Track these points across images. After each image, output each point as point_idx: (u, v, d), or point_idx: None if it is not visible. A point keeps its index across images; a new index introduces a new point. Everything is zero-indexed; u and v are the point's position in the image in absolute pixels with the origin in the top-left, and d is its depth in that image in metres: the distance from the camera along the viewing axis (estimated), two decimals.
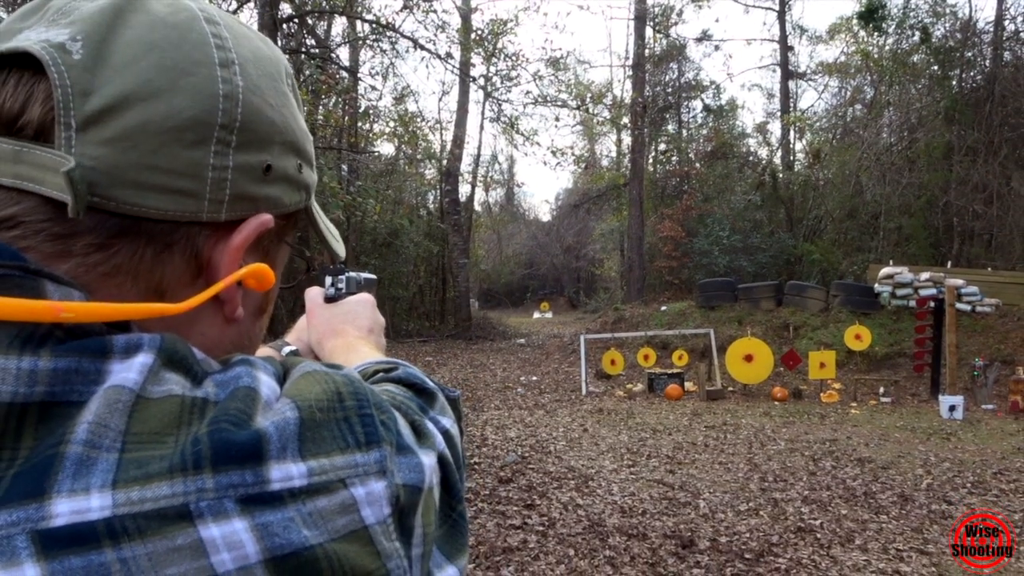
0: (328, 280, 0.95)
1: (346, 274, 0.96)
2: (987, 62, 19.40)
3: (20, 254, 0.43)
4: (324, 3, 12.07)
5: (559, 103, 18.34)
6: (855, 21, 22.08)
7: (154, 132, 0.46)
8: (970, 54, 19.40)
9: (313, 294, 0.97)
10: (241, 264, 0.52)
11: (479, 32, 14.87)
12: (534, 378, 13.41)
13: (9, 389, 0.39)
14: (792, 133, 24.40)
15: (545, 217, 43.36)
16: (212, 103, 0.48)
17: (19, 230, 0.45)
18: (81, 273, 0.45)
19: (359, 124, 16.43)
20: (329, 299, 0.95)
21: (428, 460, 0.52)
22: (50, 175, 0.44)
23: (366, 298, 0.98)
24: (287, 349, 0.95)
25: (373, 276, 1.05)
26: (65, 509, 0.36)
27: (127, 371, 0.41)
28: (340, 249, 0.72)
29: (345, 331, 0.91)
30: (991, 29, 19.33)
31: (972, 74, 19.52)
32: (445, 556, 0.55)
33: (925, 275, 12.92)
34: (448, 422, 0.61)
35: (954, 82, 19.19)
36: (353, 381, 0.50)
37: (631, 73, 23.72)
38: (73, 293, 0.44)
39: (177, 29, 0.49)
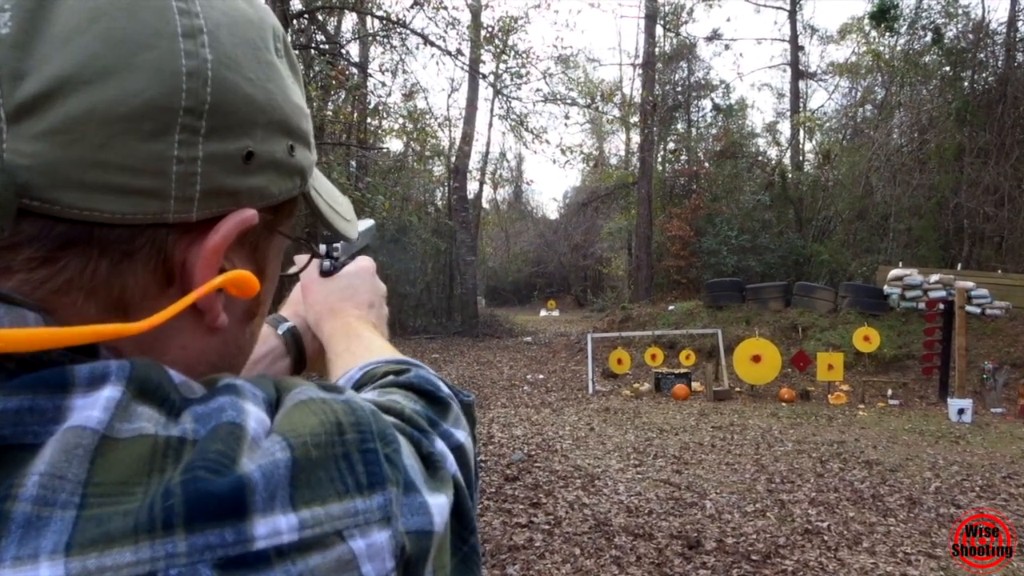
0: (322, 248, 0.83)
1: (341, 240, 0.82)
2: (999, 63, 19.30)
3: None
4: None
5: (568, 101, 18.33)
6: (866, 21, 22.01)
7: (102, 121, 0.38)
8: (982, 55, 19.29)
9: (310, 267, 0.84)
10: (223, 265, 0.46)
11: (489, 29, 14.86)
12: (541, 376, 13.41)
13: None
14: (802, 133, 24.34)
15: (553, 215, 43.33)
16: (174, 83, 0.40)
17: None
18: (28, 291, 0.39)
19: (368, 120, 16.44)
20: (325, 273, 0.85)
21: (440, 501, 0.46)
22: None
23: (364, 267, 0.88)
24: (284, 327, 0.86)
25: (371, 222, 0.95)
26: None
27: (90, 408, 0.35)
28: (350, 229, 0.64)
29: (344, 310, 0.83)
30: (1004, 30, 19.21)
31: (984, 75, 19.42)
32: None
33: (935, 277, 12.88)
34: (462, 435, 0.56)
35: (966, 83, 19.11)
36: (355, 410, 0.43)
37: (641, 71, 23.69)
38: (27, 315, 0.38)
39: None
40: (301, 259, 0.76)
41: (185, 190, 0.42)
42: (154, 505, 0.33)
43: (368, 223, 0.94)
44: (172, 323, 0.42)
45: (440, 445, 0.51)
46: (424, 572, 0.43)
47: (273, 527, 0.35)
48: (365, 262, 0.89)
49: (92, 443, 0.34)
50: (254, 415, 0.40)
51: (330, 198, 0.61)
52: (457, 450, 0.53)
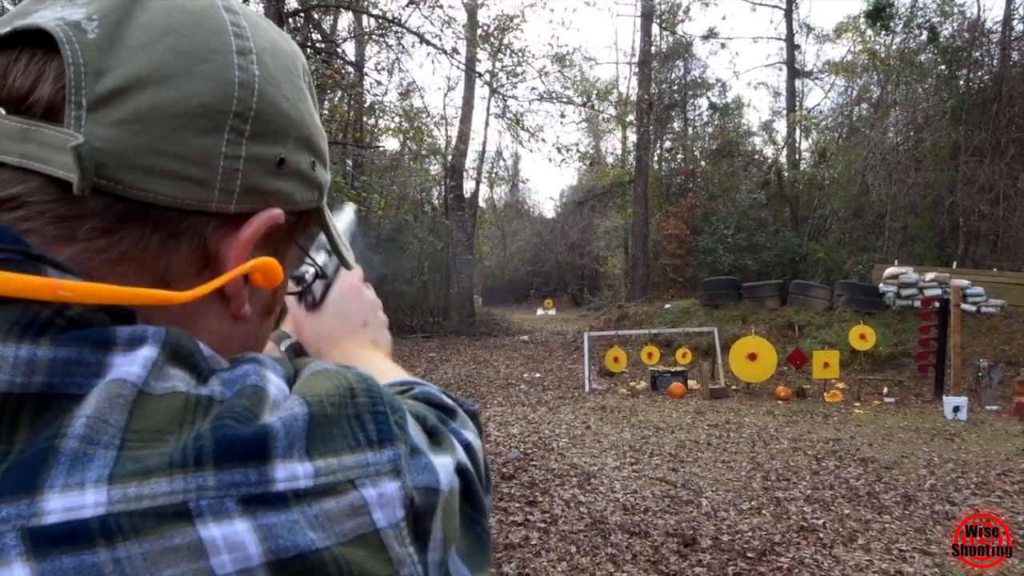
0: (307, 271, 0.80)
1: (314, 269, 0.79)
2: (995, 62, 19.35)
3: (21, 238, 0.42)
4: None
5: (565, 100, 18.33)
6: (862, 20, 22.02)
7: (166, 116, 0.45)
8: (978, 54, 19.34)
9: (293, 303, 0.86)
10: (249, 259, 0.51)
11: (485, 28, 14.86)
12: (537, 375, 13.42)
13: (5, 378, 0.37)
14: (798, 132, 24.36)
15: (549, 214, 43.38)
16: (227, 90, 0.47)
17: (22, 211, 0.43)
18: (85, 259, 0.44)
19: (364, 119, 16.43)
20: (310, 307, 0.84)
21: (444, 462, 0.49)
22: (58, 154, 0.42)
23: (348, 286, 0.86)
24: (287, 342, 0.87)
25: (352, 208, 0.92)
26: (58, 506, 0.34)
27: (130, 364, 0.39)
28: (350, 257, 0.69)
29: (340, 339, 0.84)
30: (999, 29, 19.26)
31: (979, 74, 19.48)
32: (469, 569, 0.52)
33: (930, 275, 12.91)
34: (470, 435, 0.59)
35: (961, 82, 19.15)
36: (366, 379, 0.48)
37: (637, 70, 23.71)
38: (75, 279, 0.42)
39: (195, 15, 0.48)
40: (291, 300, 0.83)
41: (228, 183, 0.48)
42: (187, 446, 0.38)
43: (348, 216, 0.92)
44: (202, 307, 0.49)
45: (449, 434, 0.55)
46: (432, 528, 0.46)
47: (291, 472, 0.39)
48: (349, 279, 0.87)
49: (131, 395, 0.38)
50: (275, 382, 0.45)
51: (335, 225, 0.66)
52: (466, 447, 0.56)
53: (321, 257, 0.79)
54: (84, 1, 0.46)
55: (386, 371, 0.76)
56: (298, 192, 0.54)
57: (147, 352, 0.40)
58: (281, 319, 0.90)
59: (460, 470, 0.52)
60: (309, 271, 0.81)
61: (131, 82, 0.44)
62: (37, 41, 0.44)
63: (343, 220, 0.92)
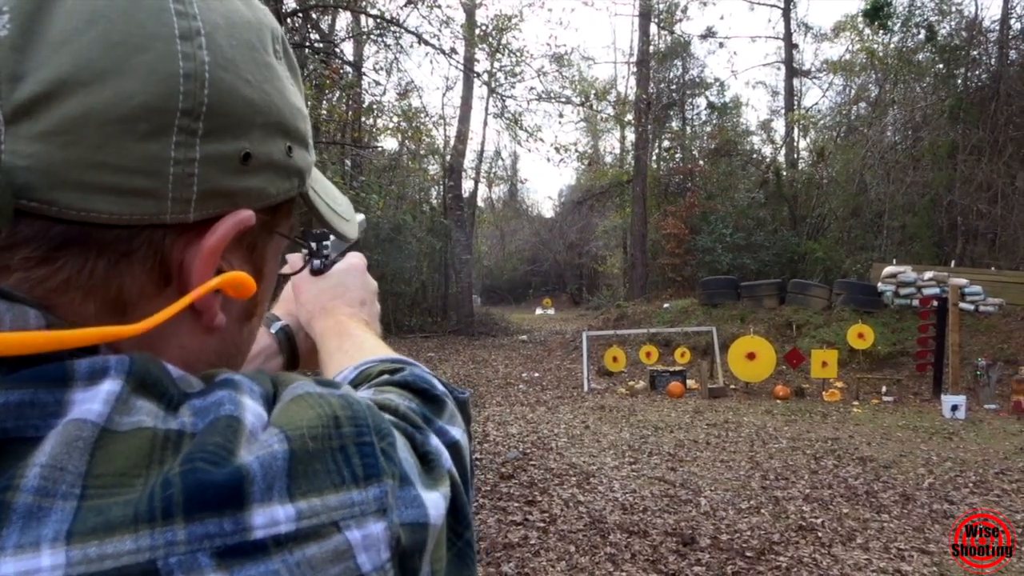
0: (312, 246, 0.82)
1: (331, 237, 0.82)
2: (993, 61, 19.35)
3: None
4: None
5: (563, 99, 18.34)
6: (860, 19, 22.00)
7: (99, 123, 0.39)
8: (975, 52, 19.34)
9: (296, 263, 0.83)
10: (221, 265, 0.46)
11: (483, 28, 14.87)
12: (536, 375, 13.42)
13: None
14: (796, 131, 24.36)
15: (548, 213, 43.34)
16: (171, 85, 0.41)
17: None
18: (27, 289, 0.39)
19: (363, 119, 16.41)
20: (316, 271, 0.84)
21: (435, 496, 0.46)
22: None
23: (355, 264, 0.89)
24: (276, 325, 0.87)
25: (361, 216, 0.93)
26: (10, 570, 0.31)
27: (91, 402, 0.36)
28: (349, 229, 0.64)
29: (335, 308, 0.83)
30: (997, 27, 19.27)
31: (977, 73, 19.47)
32: None
33: (928, 274, 12.92)
34: (457, 432, 0.56)
35: (959, 81, 19.15)
36: (352, 404, 0.43)
37: (635, 70, 23.71)
38: (28, 312, 0.38)
39: None
40: (293, 259, 0.77)
41: (182, 191, 0.42)
42: (154, 495, 0.34)
43: (358, 217, 0.94)
44: (170, 323, 0.43)
45: (435, 442, 0.51)
46: (421, 565, 0.44)
47: (271, 517, 0.36)
48: (355, 259, 0.89)
49: (92, 435, 0.35)
50: (251, 409, 0.41)
51: (329, 198, 0.61)
52: (452, 447, 0.53)
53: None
54: None
55: (376, 349, 0.74)
56: (271, 185, 0.49)
57: (109, 386, 0.37)
58: (273, 301, 0.90)
59: (451, 486, 0.49)
60: (328, 236, 0.81)
61: (55, 86, 0.38)
62: None
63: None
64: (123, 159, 0.40)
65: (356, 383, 0.64)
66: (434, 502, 0.45)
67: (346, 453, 0.41)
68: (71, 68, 0.38)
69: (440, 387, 0.60)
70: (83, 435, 0.35)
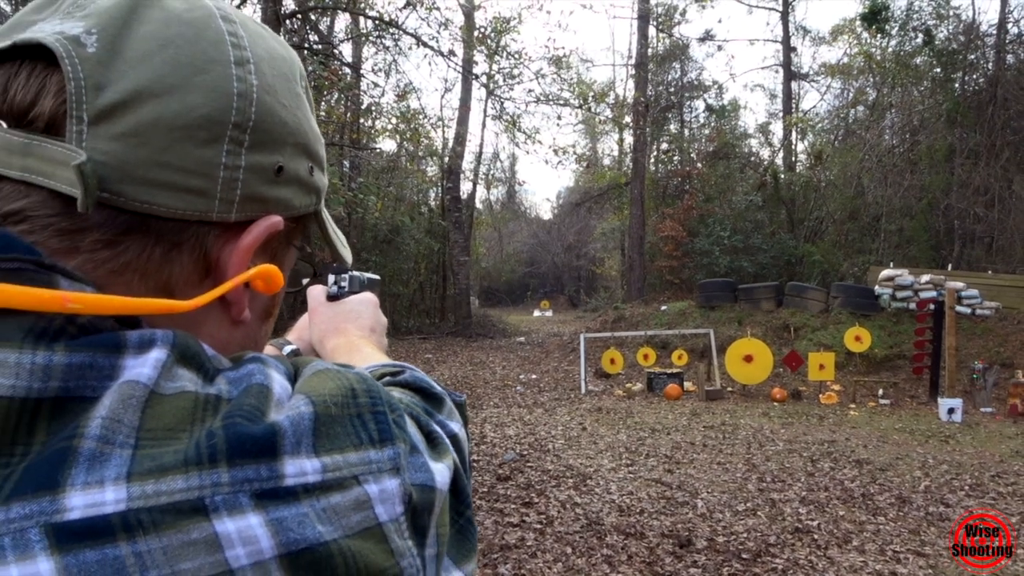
0: (331, 279, 0.93)
1: (349, 273, 0.94)
2: (990, 65, 19.41)
3: (35, 248, 0.43)
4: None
5: (561, 102, 18.35)
6: (858, 23, 22.07)
7: (166, 129, 0.45)
8: (973, 57, 19.39)
9: (316, 292, 0.95)
10: (249, 266, 0.52)
11: (482, 30, 14.88)
12: (533, 376, 13.43)
13: (23, 384, 0.38)
14: (794, 134, 24.40)
15: (546, 215, 43.42)
16: (226, 101, 0.48)
17: (26, 224, 0.44)
18: (89, 269, 0.45)
19: (361, 120, 16.43)
20: (332, 297, 0.94)
21: (440, 466, 0.51)
22: (60, 169, 0.43)
23: (369, 297, 0.97)
24: (288, 348, 0.94)
25: (376, 276, 1.03)
26: (79, 502, 0.36)
27: (141, 367, 0.41)
28: (347, 255, 0.71)
29: (347, 330, 0.90)
30: (994, 32, 19.32)
31: (975, 77, 19.53)
32: (453, 561, 0.55)
33: (925, 277, 12.94)
34: (456, 426, 0.61)
35: (956, 85, 19.20)
36: (366, 379, 0.49)
37: (634, 72, 23.71)
38: (86, 289, 0.43)
39: (193, 26, 0.48)
40: (315, 290, 0.88)
41: (228, 193, 0.49)
42: (200, 443, 0.39)
43: (375, 276, 1.03)
44: (203, 312, 0.50)
45: (437, 428, 0.57)
46: (429, 525, 0.48)
47: (300, 468, 0.41)
48: (370, 296, 0.98)
49: (143, 395, 0.40)
50: (278, 381, 0.47)
51: (332, 225, 0.68)
52: (452, 438, 0.58)
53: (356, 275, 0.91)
54: (83, 14, 0.46)
55: (380, 360, 0.80)
56: (296, 198, 0.55)
57: (156, 354, 0.42)
58: (284, 330, 0.99)
59: (452, 469, 0.54)
60: (347, 271, 0.93)
61: (131, 95, 0.45)
62: (37, 55, 0.45)
63: (371, 281, 1.02)
64: (183, 161, 0.46)
65: None
66: (439, 470, 0.51)
67: (363, 419, 0.46)
68: (146, 82, 0.45)
69: (439, 388, 0.66)
70: (136, 394, 0.40)
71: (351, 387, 0.47)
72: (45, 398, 0.38)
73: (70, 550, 0.35)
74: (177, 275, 0.49)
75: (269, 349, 0.88)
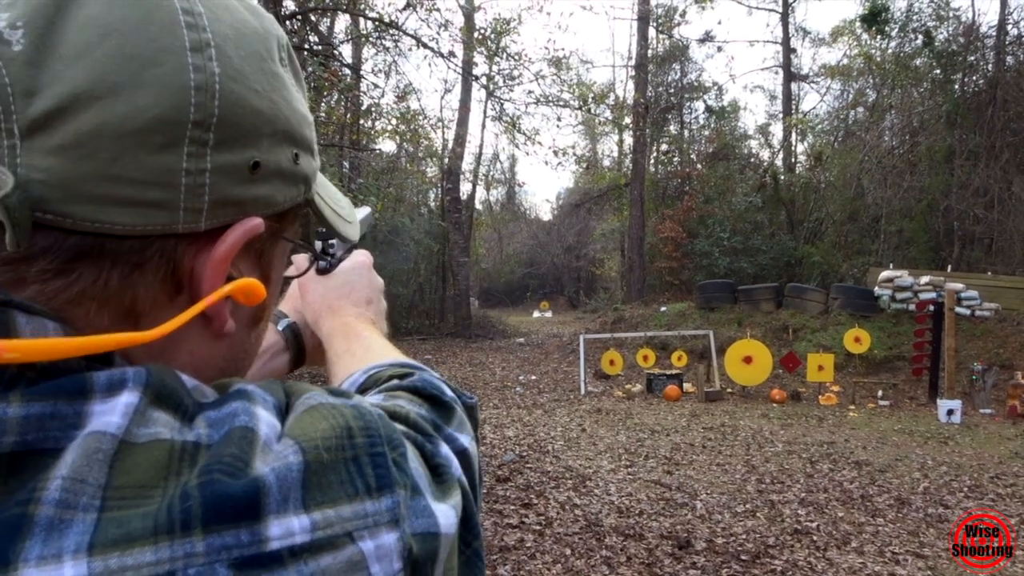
0: (318, 246, 0.82)
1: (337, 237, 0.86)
2: (990, 66, 19.42)
3: None
4: (328, 0, 12.09)
5: (561, 103, 18.36)
6: (858, 24, 22.08)
7: (113, 136, 0.39)
8: (973, 58, 19.41)
9: (302, 263, 0.82)
10: (230, 272, 0.47)
11: (482, 31, 14.89)
12: (533, 377, 13.43)
13: None
14: (794, 135, 24.40)
15: (546, 216, 43.37)
16: (183, 97, 0.41)
17: None
18: (43, 301, 0.40)
19: (361, 121, 16.43)
20: (322, 271, 0.84)
21: (445, 507, 0.47)
22: None
23: (361, 262, 0.88)
24: (283, 323, 0.87)
25: (367, 209, 0.93)
26: None
27: (109, 414, 0.36)
28: (353, 231, 0.65)
29: (342, 308, 0.83)
30: (994, 33, 19.33)
31: (974, 78, 19.54)
32: None
33: (925, 279, 12.94)
34: (466, 439, 0.56)
35: (956, 86, 19.21)
36: (364, 415, 0.44)
37: (633, 73, 23.71)
38: (47, 324, 0.39)
39: (139, 6, 0.41)
40: (299, 260, 0.76)
41: (194, 201, 0.43)
42: (172, 507, 0.35)
43: (365, 211, 0.93)
44: (181, 330, 0.43)
45: (445, 450, 0.52)
46: (434, 574, 0.44)
47: (287, 528, 0.37)
48: (362, 257, 0.89)
49: (112, 448, 0.35)
50: (265, 420, 0.41)
51: (332, 200, 0.62)
52: (461, 454, 0.54)
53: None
54: (7, 3, 0.40)
55: (384, 352, 0.74)
56: (279, 192, 0.49)
57: (127, 398, 0.37)
58: (280, 296, 0.90)
59: (461, 504, 0.50)
60: (333, 236, 0.82)
61: (69, 100, 0.38)
62: None
63: (360, 221, 0.89)
64: (137, 171, 0.40)
65: (365, 387, 0.64)
66: (444, 513, 0.46)
67: (359, 464, 0.41)
68: (85, 82, 0.39)
69: (449, 393, 0.61)
70: (103, 447, 0.35)
71: (347, 426, 0.43)
72: (0, 454, 0.34)
73: None
74: (143, 297, 0.43)
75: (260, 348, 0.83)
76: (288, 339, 0.86)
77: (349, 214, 0.66)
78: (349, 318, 0.82)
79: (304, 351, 0.87)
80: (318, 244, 0.80)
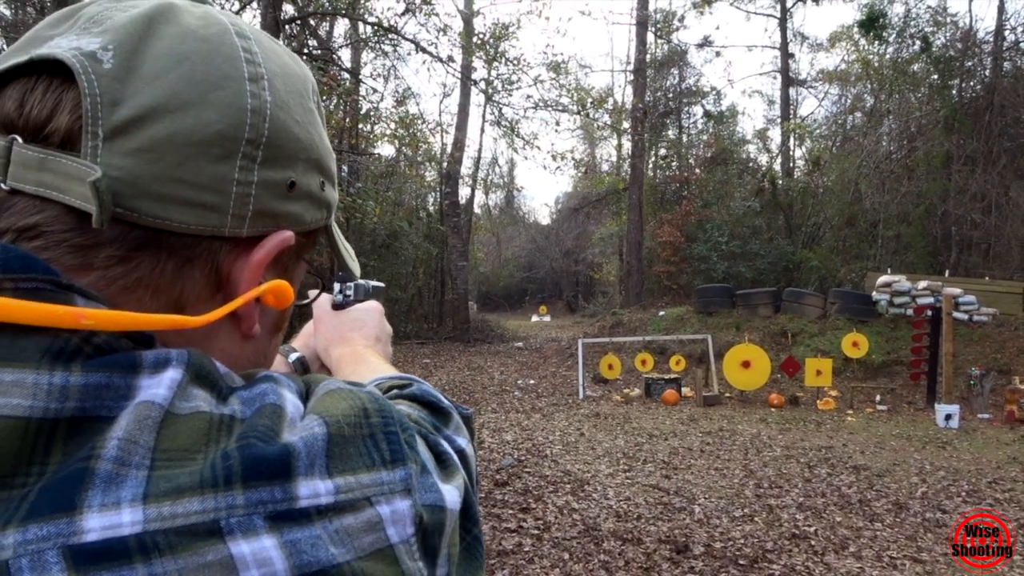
0: (336, 287, 0.93)
1: (355, 282, 0.94)
2: (987, 72, 19.49)
3: (52, 268, 0.43)
4: (327, 5, 12.11)
5: (560, 108, 18.39)
6: (856, 29, 22.16)
7: (180, 145, 0.46)
8: (970, 64, 19.48)
9: (321, 300, 0.94)
10: (260, 281, 0.52)
11: (481, 36, 14.91)
12: (531, 382, 13.42)
13: (41, 404, 0.38)
14: (792, 140, 24.47)
15: (544, 220, 43.42)
16: (240, 118, 0.48)
17: (41, 240, 0.44)
18: (103, 286, 0.45)
19: (360, 126, 16.45)
20: (337, 306, 0.93)
21: (449, 487, 0.51)
22: (75, 184, 0.43)
23: (374, 306, 0.97)
24: (293, 356, 0.94)
25: (381, 284, 1.03)
26: (96, 524, 0.36)
27: (156, 387, 0.41)
28: (355, 267, 0.71)
29: (352, 339, 0.90)
30: (991, 39, 19.40)
31: (972, 84, 19.61)
32: None
33: (923, 284, 12.97)
34: (463, 442, 0.61)
35: (954, 91, 19.28)
36: (378, 399, 0.50)
37: (632, 78, 23.76)
38: (100, 307, 0.43)
39: (208, 42, 0.49)
40: (313, 293, 0.83)
41: (241, 208, 0.49)
42: (216, 465, 0.40)
43: (380, 284, 1.03)
44: (215, 327, 0.50)
45: (446, 445, 0.57)
46: (440, 545, 0.49)
47: (313, 489, 0.42)
48: (375, 304, 0.98)
49: (159, 416, 0.40)
50: (291, 400, 0.47)
51: (341, 237, 0.68)
52: (459, 453, 0.58)
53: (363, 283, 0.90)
54: (100, 30, 0.46)
55: (387, 372, 0.79)
56: (308, 213, 0.56)
57: (172, 374, 0.42)
58: (289, 337, 0.97)
59: (463, 489, 0.54)
60: (353, 280, 0.92)
61: (146, 111, 0.45)
62: (54, 70, 0.45)
63: (376, 289, 1.00)
64: (197, 177, 0.47)
65: None
66: (449, 491, 0.51)
67: (375, 440, 0.46)
68: (161, 98, 0.46)
69: (446, 401, 0.66)
70: (151, 415, 0.40)
71: (363, 407, 0.48)
72: (62, 418, 0.39)
73: (87, 572, 0.35)
74: (189, 290, 0.49)
75: (277, 359, 0.88)
76: (297, 370, 0.94)
77: (352, 253, 0.72)
78: (358, 347, 0.89)
79: None
80: (336, 286, 0.91)
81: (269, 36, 0.56)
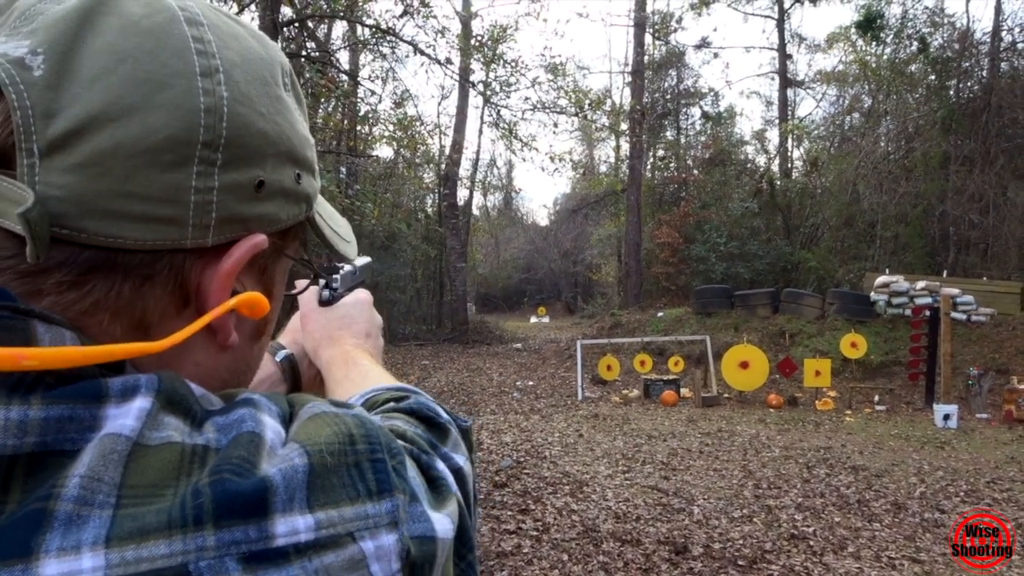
0: (321, 281, 0.86)
1: (340, 272, 0.88)
2: (984, 73, 19.53)
3: (10, 292, 0.40)
4: (325, 7, 12.11)
5: (558, 109, 18.40)
6: (853, 30, 22.18)
7: (127, 155, 0.41)
8: (967, 64, 19.52)
9: (306, 297, 0.88)
10: (235, 287, 0.49)
11: (479, 38, 14.91)
12: (530, 383, 13.42)
13: None
14: (790, 141, 24.48)
15: (543, 222, 43.39)
16: (192, 119, 0.43)
17: None
18: (60, 311, 0.42)
19: (358, 127, 16.45)
20: (324, 302, 0.88)
21: (441, 515, 0.49)
22: (12, 207, 0.39)
23: (362, 298, 0.92)
24: (281, 354, 0.89)
25: (367, 259, 0.98)
26: (54, 571, 0.33)
27: (124, 417, 0.38)
28: (351, 251, 0.67)
29: (342, 339, 0.86)
30: (988, 40, 19.44)
31: (969, 84, 19.64)
32: None
33: (921, 284, 12.98)
34: (461, 459, 0.58)
35: (951, 92, 19.31)
36: (365, 423, 0.46)
37: (630, 79, 23.79)
38: (64, 333, 0.40)
39: (152, 35, 0.43)
40: (302, 283, 0.78)
41: (202, 218, 0.45)
42: (185, 503, 0.36)
43: (366, 259, 0.97)
44: (188, 341, 0.45)
45: (441, 466, 0.54)
46: None
47: (292, 526, 0.39)
48: (363, 294, 0.93)
49: (126, 449, 0.37)
50: (271, 426, 0.43)
51: (332, 221, 0.64)
52: (456, 472, 0.56)
53: (354, 262, 0.83)
54: (30, 29, 0.42)
55: (381, 379, 0.76)
56: (282, 211, 0.52)
57: (140, 403, 0.39)
58: (278, 331, 0.93)
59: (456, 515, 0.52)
60: (338, 271, 0.86)
61: (86, 122, 0.41)
62: None
63: (361, 267, 0.95)
64: (149, 189, 0.42)
65: None
66: (440, 520, 0.48)
67: (360, 469, 0.43)
68: (101, 105, 0.41)
69: (444, 415, 0.63)
70: (118, 448, 0.37)
71: (349, 433, 0.45)
72: (21, 454, 0.36)
73: None
74: (152, 309, 0.45)
75: (265, 359, 0.85)
76: (285, 369, 0.89)
77: (347, 234, 0.68)
78: (348, 347, 0.84)
79: (301, 382, 0.90)
80: (322, 280, 0.84)
81: (230, 17, 0.50)
